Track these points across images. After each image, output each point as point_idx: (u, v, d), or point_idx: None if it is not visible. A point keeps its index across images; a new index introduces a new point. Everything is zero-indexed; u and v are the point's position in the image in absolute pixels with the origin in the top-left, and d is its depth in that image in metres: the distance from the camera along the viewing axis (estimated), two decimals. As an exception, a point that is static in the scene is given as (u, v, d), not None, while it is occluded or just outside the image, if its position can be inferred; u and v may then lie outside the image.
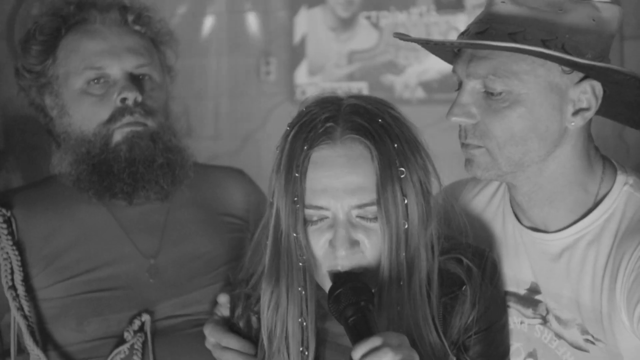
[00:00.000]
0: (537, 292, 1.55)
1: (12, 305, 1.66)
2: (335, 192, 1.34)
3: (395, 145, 1.36)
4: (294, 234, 1.37)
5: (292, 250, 1.38)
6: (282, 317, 1.42)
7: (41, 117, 1.85)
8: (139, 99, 1.72)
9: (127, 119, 1.71)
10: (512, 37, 1.36)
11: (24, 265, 1.69)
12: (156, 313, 1.73)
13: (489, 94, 1.41)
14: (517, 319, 1.58)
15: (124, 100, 1.72)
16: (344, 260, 1.36)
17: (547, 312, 1.54)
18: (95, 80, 1.73)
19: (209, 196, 1.88)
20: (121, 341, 1.68)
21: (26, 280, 1.68)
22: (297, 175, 1.35)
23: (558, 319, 1.52)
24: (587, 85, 1.41)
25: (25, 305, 1.67)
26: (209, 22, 4.01)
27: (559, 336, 1.52)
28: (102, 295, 1.71)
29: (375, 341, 1.21)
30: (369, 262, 1.37)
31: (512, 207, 1.60)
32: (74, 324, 1.68)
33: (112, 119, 1.72)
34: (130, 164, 1.71)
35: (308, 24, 4.07)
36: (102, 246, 1.74)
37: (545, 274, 1.53)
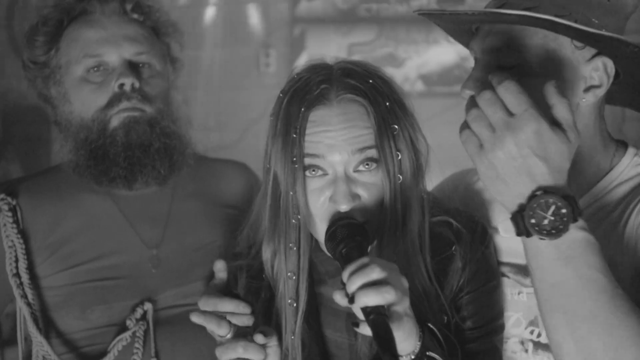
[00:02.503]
0: None
1: (16, 292, 1.67)
2: (334, 142, 1.38)
3: (387, 104, 1.42)
4: (291, 193, 1.40)
5: (289, 209, 1.42)
6: (281, 275, 1.46)
7: (49, 109, 1.87)
8: (136, 84, 1.73)
9: (124, 104, 1.72)
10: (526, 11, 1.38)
11: (28, 253, 1.69)
12: (158, 302, 1.74)
13: (502, 67, 1.44)
14: (515, 290, 1.59)
15: (121, 86, 1.73)
16: (346, 210, 1.39)
17: None
18: (95, 68, 1.74)
19: (211, 188, 1.90)
20: (123, 329, 1.69)
21: (30, 268, 1.69)
22: (294, 136, 1.39)
23: None
24: (599, 62, 1.43)
25: (29, 293, 1.68)
26: (208, 13, 4.01)
27: None
28: (106, 284, 1.71)
29: (363, 260, 1.25)
30: (370, 211, 1.41)
31: None
32: (78, 312, 1.69)
33: (110, 104, 1.72)
34: (127, 148, 1.72)
35: (308, 15, 4.07)
36: (105, 236, 1.75)
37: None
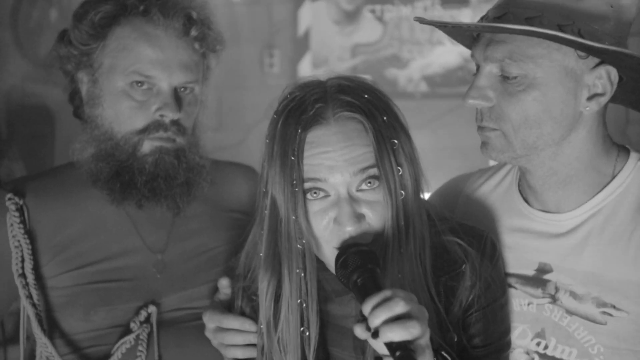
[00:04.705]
0: (546, 271, 1.57)
1: (22, 293, 1.67)
2: (334, 164, 1.36)
3: (385, 118, 1.39)
4: (293, 217, 1.38)
5: (291, 235, 1.39)
6: (286, 301, 1.42)
7: (67, 82, 1.81)
8: (176, 117, 1.70)
9: (160, 134, 1.70)
10: (529, 22, 1.38)
11: (34, 253, 1.69)
12: (162, 305, 1.74)
13: (505, 77, 1.44)
14: (524, 301, 1.59)
15: (162, 115, 1.70)
16: (351, 231, 1.37)
17: (557, 290, 1.55)
18: (139, 84, 1.70)
19: (217, 192, 1.88)
20: (127, 331, 1.69)
21: (36, 268, 1.69)
22: (293, 159, 1.36)
23: (573, 294, 1.53)
24: (602, 70, 1.43)
25: (34, 294, 1.68)
26: (212, 13, 4.01)
27: (570, 312, 1.54)
28: (110, 286, 1.71)
29: (385, 293, 1.22)
30: (376, 231, 1.39)
31: (520, 192, 1.63)
32: (82, 313, 1.69)
33: (146, 130, 1.69)
34: (153, 178, 1.70)
35: (312, 16, 4.07)
36: (111, 238, 1.74)
37: (558, 251, 1.55)
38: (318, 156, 1.36)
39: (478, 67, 1.49)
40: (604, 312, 1.49)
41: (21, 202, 1.71)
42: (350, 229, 1.36)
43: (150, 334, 1.70)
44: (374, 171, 1.37)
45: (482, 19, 1.48)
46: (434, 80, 4.01)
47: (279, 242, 1.42)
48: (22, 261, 1.68)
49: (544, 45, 1.40)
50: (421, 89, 4.03)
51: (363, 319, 1.22)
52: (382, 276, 1.35)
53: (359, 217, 1.37)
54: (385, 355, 1.22)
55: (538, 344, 1.58)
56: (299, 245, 1.39)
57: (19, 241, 1.68)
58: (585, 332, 1.52)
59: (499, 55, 1.43)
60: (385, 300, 1.21)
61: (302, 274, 1.40)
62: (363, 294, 1.26)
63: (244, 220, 1.86)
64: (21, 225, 1.69)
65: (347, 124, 1.38)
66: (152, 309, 1.71)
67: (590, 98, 1.44)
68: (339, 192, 1.37)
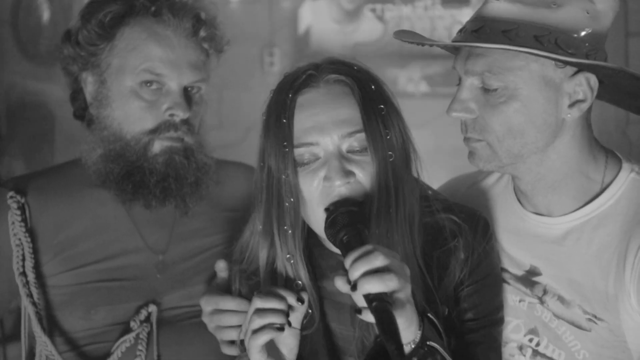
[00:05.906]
0: (536, 274, 1.59)
1: (22, 291, 1.67)
2: (323, 126, 1.41)
3: (373, 86, 1.45)
4: (283, 176, 1.41)
5: (281, 193, 1.43)
6: (279, 259, 1.47)
7: (70, 82, 1.82)
8: (186, 116, 1.71)
9: (171, 133, 1.70)
10: (505, 35, 1.41)
11: (35, 252, 1.69)
12: (163, 304, 1.74)
13: (486, 89, 1.46)
14: (516, 297, 1.61)
15: (172, 115, 1.70)
16: (341, 189, 1.39)
17: (545, 292, 1.58)
18: (149, 84, 1.70)
19: (218, 192, 1.87)
20: (127, 330, 1.69)
21: (36, 267, 1.69)
22: (284, 121, 1.41)
23: (561, 298, 1.55)
24: (582, 77, 1.45)
25: (35, 292, 1.68)
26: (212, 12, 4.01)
27: (557, 316, 1.56)
28: (111, 285, 1.72)
29: (367, 247, 1.26)
30: (366, 191, 1.41)
31: (515, 193, 1.65)
32: (82, 312, 1.70)
33: (157, 130, 1.70)
34: (164, 178, 1.71)
35: (313, 15, 4.07)
36: (112, 238, 1.75)
37: (547, 256, 1.57)
38: (308, 119, 1.41)
39: (460, 80, 1.51)
40: (590, 320, 1.51)
41: (23, 201, 1.71)
42: (339, 183, 1.38)
43: (150, 333, 1.70)
44: (361, 136, 1.40)
45: (460, 31, 1.50)
46: (435, 79, 4.01)
47: (271, 203, 1.45)
48: (23, 259, 1.68)
49: (522, 57, 1.42)
50: (422, 89, 4.03)
51: (345, 273, 1.26)
52: (371, 238, 1.37)
53: (348, 174, 1.39)
54: (364, 308, 1.24)
55: (531, 340, 1.60)
56: (286, 203, 1.43)
57: (20, 239, 1.68)
58: (571, 336, 1.54)
59: (479, 69, 1.45)
60: (366, 254, 1.24)
61: (290, 231, 1.44)
62: (347, 250, 1.29)
63: (245, 219, 1.87)
64: (22, 224, 1.69)
65: (336, 86, 1.44)
66: (152, 308, 1.72)
67: (571, 105, 1.46)
68: (328, 150, 1.40)
